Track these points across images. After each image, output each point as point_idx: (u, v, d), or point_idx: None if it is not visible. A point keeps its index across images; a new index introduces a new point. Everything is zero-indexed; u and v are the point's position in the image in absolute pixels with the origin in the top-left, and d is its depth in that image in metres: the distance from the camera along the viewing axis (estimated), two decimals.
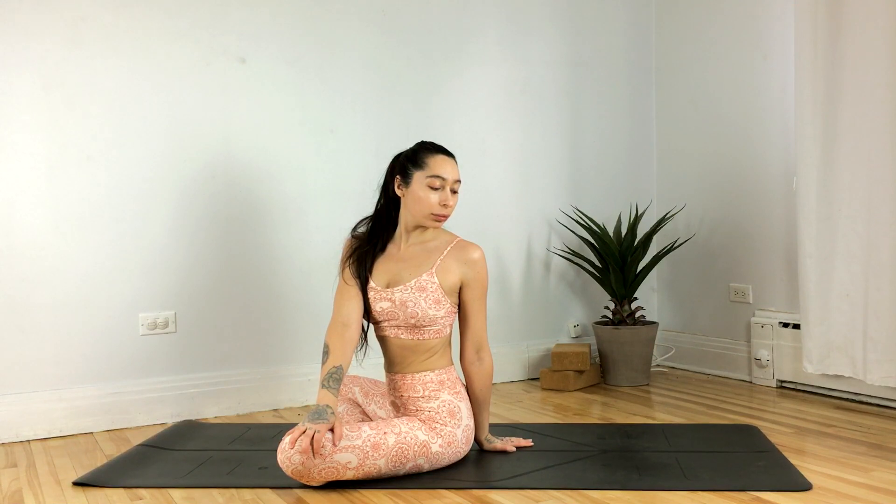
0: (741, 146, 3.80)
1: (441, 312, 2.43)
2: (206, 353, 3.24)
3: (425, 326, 2.43)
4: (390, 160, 2.61)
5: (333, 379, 2.31)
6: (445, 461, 2.38)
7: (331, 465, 2.19)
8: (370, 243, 2.54)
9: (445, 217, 2.49)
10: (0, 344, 2.91)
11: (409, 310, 2.41)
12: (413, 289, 2.43)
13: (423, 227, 2.51)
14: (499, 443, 2.61)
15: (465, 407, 2.43)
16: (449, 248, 2.48)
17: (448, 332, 2.50)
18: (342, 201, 3.44)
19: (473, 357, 2.53)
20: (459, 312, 2.53)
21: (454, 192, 2.49)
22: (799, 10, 3.30)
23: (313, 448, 2.14)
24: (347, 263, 2.52)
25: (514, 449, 2.60)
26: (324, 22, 3.44)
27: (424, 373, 2.43)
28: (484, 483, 2.29)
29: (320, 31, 3.43)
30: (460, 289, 2.48)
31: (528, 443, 2.66)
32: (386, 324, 2.47)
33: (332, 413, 2.23)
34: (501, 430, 2.87)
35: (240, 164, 3.29)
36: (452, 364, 2.51)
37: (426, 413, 2.38)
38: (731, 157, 3.84)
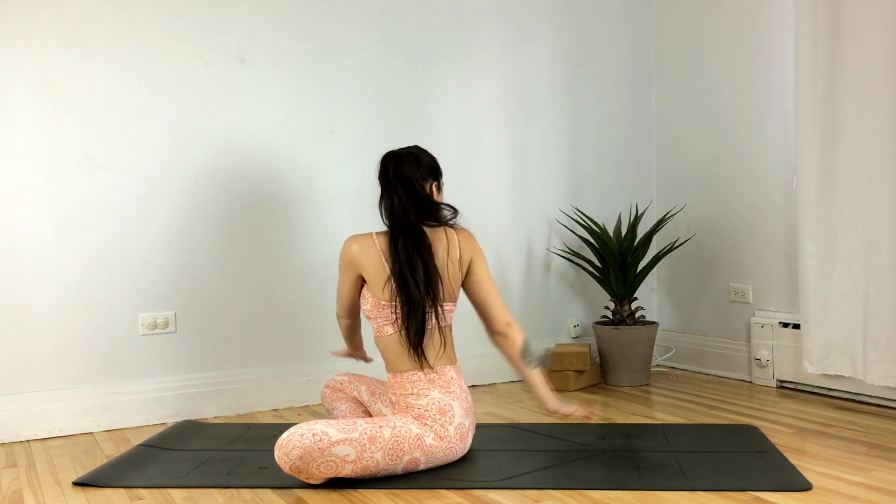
0: (741, 146, 3.80)
1: (367, 306, 2.49)
2: (206, 353, 3.24)
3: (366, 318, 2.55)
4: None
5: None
6: (441, 456, 2.37)
7: (329, 458, 2.19)
8: None
9: None
10: (0, 344, 2.91)
11: None
12: None
13: None
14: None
15: (457, 405, 2.42)
16: None
17: (390, 332, 2.44)
18: (342, 201, 3.45)
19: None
20: None
21: None
22: (799, 10, 3.30)
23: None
24: None
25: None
26: (324, 22, 3.44)
27: (412, 371, 2.43)
28: (484, 483, 2.29)
29: (320, 31, 3.43)
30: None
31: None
32: None
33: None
34: (501, 430, 2.88)
35: (239, 163, 3.29)
36: (445, 366, 2.45)
37: (416, 410, 2.39)
38: (731, 157, 3.84)
